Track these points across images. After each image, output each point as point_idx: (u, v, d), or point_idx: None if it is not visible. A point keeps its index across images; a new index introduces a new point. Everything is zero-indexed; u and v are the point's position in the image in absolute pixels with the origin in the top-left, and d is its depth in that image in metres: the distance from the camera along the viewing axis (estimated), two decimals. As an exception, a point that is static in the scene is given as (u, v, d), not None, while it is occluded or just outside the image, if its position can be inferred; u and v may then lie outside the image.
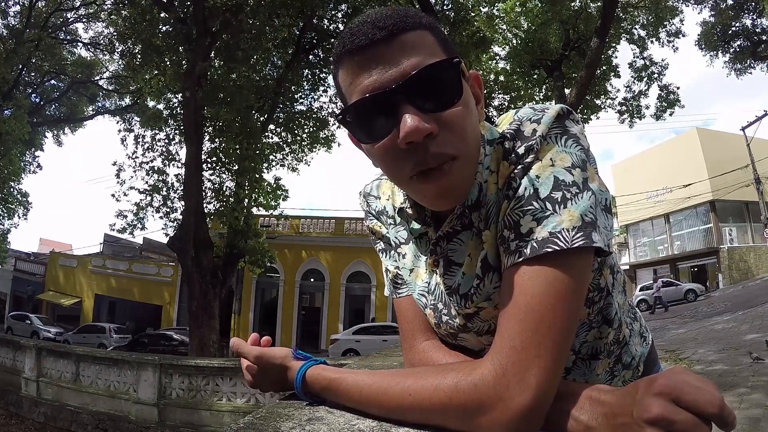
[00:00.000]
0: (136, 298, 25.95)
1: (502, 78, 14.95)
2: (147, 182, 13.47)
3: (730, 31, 17.29)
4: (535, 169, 0.61)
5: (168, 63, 12.91)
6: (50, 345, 11.70)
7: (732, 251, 24.08)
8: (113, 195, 13.57)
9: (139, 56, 13.21)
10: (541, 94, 15.28)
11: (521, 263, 0.59)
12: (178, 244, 11.63)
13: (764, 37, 17.18)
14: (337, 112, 0.67)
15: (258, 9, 12.00)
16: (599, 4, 13.07)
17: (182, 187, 12.64)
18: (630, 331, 0.82)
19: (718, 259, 24.21)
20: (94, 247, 31.20)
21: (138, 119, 17.24)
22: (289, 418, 0.67)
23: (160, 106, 15.18)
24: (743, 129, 22.79)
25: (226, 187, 13.53)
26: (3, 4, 17.05)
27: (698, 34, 17.70)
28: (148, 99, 16.21)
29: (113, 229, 13.55)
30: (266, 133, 14.65)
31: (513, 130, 0.65)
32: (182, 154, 12.96)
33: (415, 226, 0.75)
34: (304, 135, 16.12)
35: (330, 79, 15.37)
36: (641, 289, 23.41)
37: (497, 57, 15.46)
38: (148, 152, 13.90)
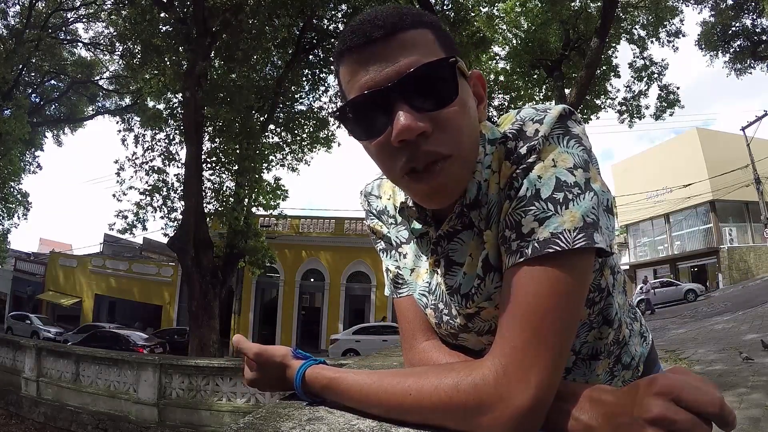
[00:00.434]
0: (136, 298, 25.95)
1: (502, 78, 14.96)
2: (147, 182, 13.50)
3: (730, 31, 17.29)
4: (537, 170, 0.61)
5: (168, 63, 12.92)
6: (50, 345, 11.69)
7: (732, 251, 24.08)
8: (114, 195, 13.60)
9: (139, 56, 13.22)
10: (541, 94, 15.28)
11: (522, 263, 0.59)
12: (178, 244, 11.64)
13: (764, 37, 17.18)
14: (335, 110, 0.67)
15: (258, 9, 12.00)
16: (599, 4, 13.06)
17: (182, 187, 12.64)
18: (630, 332, 0.82)
19: (718, 259, 24.21)
20: (94, 247, 31.25)
21: (138, 119, 17.25)
22: (289, 418, 0.67)
23: (160, 106, 15.20)
24: (743, 129, 22.79)
25: (226, 187, 13.55)
26: (3, 4, 17.06)
27: (698, 34, 17.71)
28: (148, 99, 16.22)
29: (112, 229, 13.56)
30: (266, 133, 14.66)
31: (515, 130, 0.65)
32: (182, 154, 12.98)
33: (416, 225, 0.75)
34: (304, 135, 16.12)
35: (330, 79, 15.40)
36: (641, 289, 23.41)
37: (497, 57, 15.47)
38: (149, 152, 13.92)
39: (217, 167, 13.47)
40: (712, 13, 16.96)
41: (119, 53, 15.98)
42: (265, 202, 14.48)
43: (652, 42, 15.51)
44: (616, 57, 15.31)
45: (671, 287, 22.36)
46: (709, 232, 25.04)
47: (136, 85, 16.75)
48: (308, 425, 0.64)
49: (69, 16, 19.62)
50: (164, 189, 13.45)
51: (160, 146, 13.97)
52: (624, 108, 15.89)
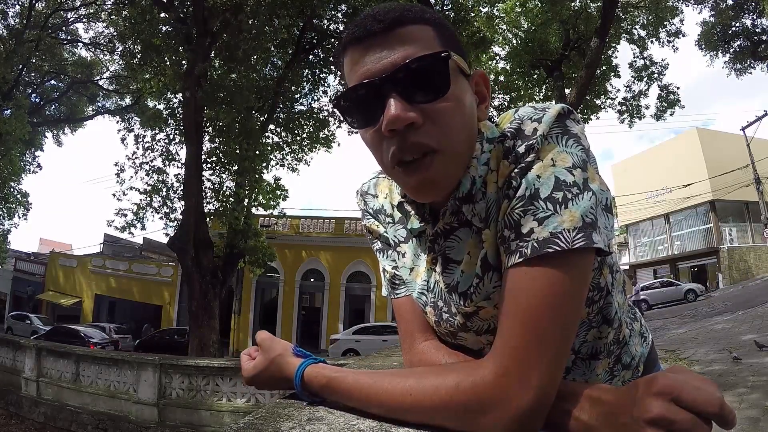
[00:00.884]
0: (136, 298, 25.95)
1: (502, 78, 14.96)
2: (147, 182, 13.49)
3: (730, 31, 17.29)
4: (535, 169, 0.61)
5: (168, 63, 12.91)
6: (50, 345, 11.69)
7: (732, 251, 24.08)
8: (114, 194, 13.59)
9: (139, 56, 13.21)
10: (541, 94, 15.28)
11: (522, 263, 0.59)
12: (178, 244, 11.64)
13: (764, 37, 17.18)
14: (333, 99, 0.68)
15: (258, 9, 12.00)
16: (599, 4, 13.07)
17: (182, 187, 12.64)
18: (630, 331, 0.82)
19: (718, 259, 24.21)
20: (94, 247, 31.25)
21: (138, 119, 17.25)
22: (289, 418, 0.67)
23: (160, 106, 15.19)
24: (743, 129, 22.79)
25: (226, 187, 13.54)
26: (3, 4, 17.04)
27: (698, 34, 17.71)
28: (148, 99, 16.22)
29: (110, 225, 13.53)
30: (266, 133, 14.65)
31: (513, 129, 0.65)
32: (182, 154, 12.98)
33: (415, 224, 0.75)
34: (304, 135, 16.12)
35: (330, 79, 15.40)
36: (641, 289, 23.41)
37: (497, 57, 15.47)
38: (148, 152, 13.91)
39: (217, 167, 13.47)
40: (712, 13, 16.96)
41: (119, 53, 15.97)
42: (264, 202, 14.48)
43: (652, 42, 15.51)
44: (616, 57, 15.32)
45: (671, 287, 22.36)
46: (709, 232, 25.05)
47: (136, 85, 16.74)
48: (308, 425, 0.64)
49: (69, 16, 19.63)
50: (164, 189, 13.45)
51: (160, 146, 13.98)
52: (624, 108, 15.89)
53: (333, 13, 13.99)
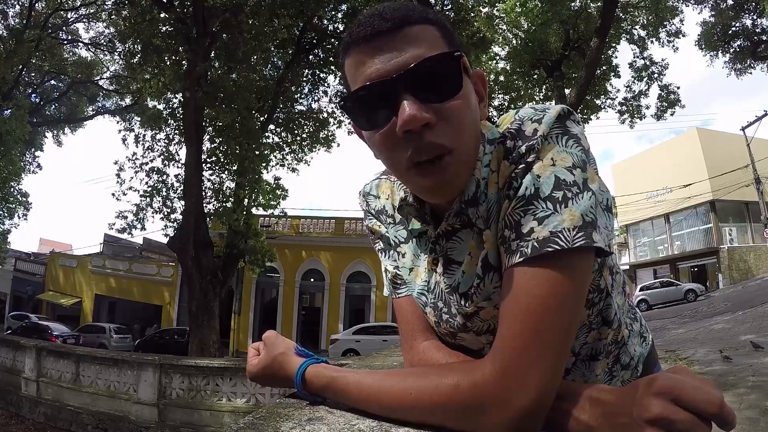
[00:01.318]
0: (136, 298, 25.96)
1: (502, 78, 14.97)
2: (147, 183, 13.48)
3: (730, 31, 17.27)
4: (536, 169, 0.61)
5: (168, 63, 12.91)
6: (50, 345, 11.69)
7: (732, 251, 24.08)
8: (113, 194, 13.58)
9: (139, 56, 13.21)
10: (541, 94, 15.29)
11: (522, 263, 0.59)
12: (178, 244, 11.64)
13: (764, 37, 17.17)
14: (341, 99, 0.68)
15: (258, 9, 12.00)
16: (599, 4, 13.08)
17: (182, 188, 12.64)
18: (629, 332, 0.82)
19: (718, 259, 24.21)
20: (94, 247, 31.24)
21: (138, 119, 17.25)
22: (289, 418, 0.67)
23: (160, 106, 15.19)
24: (743, 129, 22.79)
25: (226, 187, 13.54)
26: (3, 4, 17.05)
27: (698, 34, 17.70)
28: (148, 99, 16.22)
29: (112, 228, 13.54)
30: (266, 133, 14.65)
31: (514, 130, 0.65)
32: (182, 154, 12.98)
33: (415, 225, 0.75)
34: (304, 135, 16.12)
35: (330, 79, 15.40)
36: (641, 289, 23.42)
37: (497, 57, 15.48)
38: (148, 152, 13.91)
39: (217, 167, 13.47)
40: (712, 13, 16.95)
41: (119, 53, 15.99)
42: (264, 202, 14.48)
43: (652, 42, 15.53)
44: (616, 57, 15.35)
45: (671, 287, 22.36)
46: (709, 232, 25.05)
47: (136, 85, 16.75)
48: (308, 425, 0.64)
49: (69, 16, 19.64)
50: (164, 189, 13.45)
51: (160, 146, 13.98)
52: (624, 108, 15.90)
53: (333, 13, 14.00)
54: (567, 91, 13.32)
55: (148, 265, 26.67)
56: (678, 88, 15.56)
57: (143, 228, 13.45)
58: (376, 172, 0.88)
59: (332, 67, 14.38)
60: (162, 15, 12.55)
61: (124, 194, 13.64)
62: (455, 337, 0.77)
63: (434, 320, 0.78)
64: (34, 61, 18.99)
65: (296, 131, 15.85)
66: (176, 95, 13.94)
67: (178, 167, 13.75)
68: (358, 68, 0.63)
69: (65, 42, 20.80)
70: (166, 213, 13.31)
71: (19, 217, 19.95)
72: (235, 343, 21.74)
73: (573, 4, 14.05)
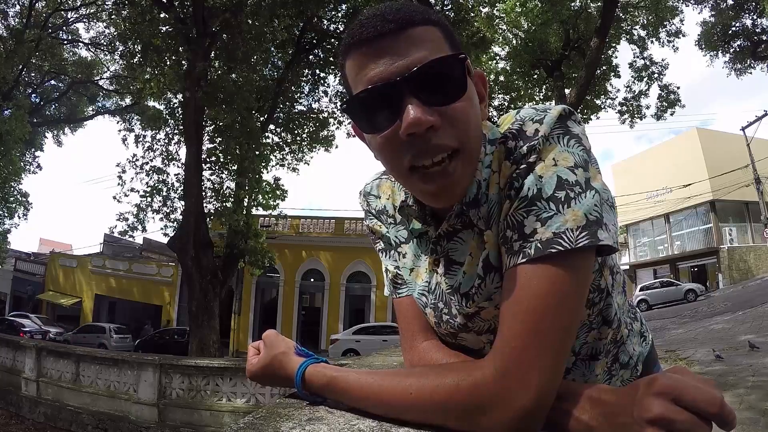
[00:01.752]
0: (136, 298, 25.95)
1: (502, 78, 14.97)
2: (147, 183, 13.48)
3: (730, 31, 17.26)
4: (538, 169, 0.61)
5: (168, 63, 12.91)
6: (50, 345, 11.69)
7: (732, 251, 24.08)
8: (115, 197, 13.58)
9: (139, 56, 13.21)
10: (541, 94, 15.29)
11: (524, 263, 0.59)
12: (178, 244, 11.64)
13: (764, 37, 17.16)
14: (343, 101, 0.67)
15: (258, 9, 12.00)
16: (599, 4, 13.08)
17: (182, 188, 12.64)
18: (629, 331, 0.82)
19: (718, 259, 24.21)
20: (94, 247, 31.23)
21: (138, 119, 17.25)
22: (289, 418, 0.67)
23: (161, 107, 15.19)
24: (743, 129, 22.80)
25: (226, 187, 13.54)
26: (3, 4, 17.05)
27: (698, 34, 17.69)
28: (149, 99, 16.22)
29: (113, 231, 13.53)
30: (266, 134, 14.65)
31: (515, 130, 0.65)
32: (182, 154, 12.98)
33: (416, 225, 0.75)
34: (304, 135, 16.13)
35: (330, 79, 15.40)
36: (641, 289, 23.43)
37: (497, 57, 15.48)
38: (149, 152, 13.91)
39: (217, 167, 13.46)
40: (712, 13, 16.94)
41: (119, 53, 15.97)
42: (264, 202, 14.48)
43: (652, 42, 15.53)
44: (616, 57, 15.35)
45: (671, 287, 22.36)
46: (709, 232, 25.04)
47: (137, 86, 16.75)
48: (308, 425, 0.64)
49: (69, 15, 19.64)
50: (164, 190, 13.45)
51: (160, 146, 13.98)
52: (624, 108, 15.90)
53: (333, 13, 14.00)
54: (567, 91, 13.32)
55: (148, 265, 26.66)
56: (678, 88, 15.57)
57: (144, 229, 13.43)
58: (376, 172, 0.88)
59: (332, 67, 14.38)
60: (162, 15, 12.54)
61: (126, 195, 13.65)
62: (456, 338, 0.77)
63: (434, 321, 0.78)
64: (34, 61, 18.98)
65: (296, 131, 15.86)
66: (176, 95, 13.95)
67: (178, 167, 13.76)
68: (361, 70, 0.62)
69: (65, 42, 20.80)
70: (166, 213, 13.32)
71: (19, 217, 19.95)
72: (235, 343, 21.74)
73: (573, 4, 14.05)
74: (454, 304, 0.73)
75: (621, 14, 14.23)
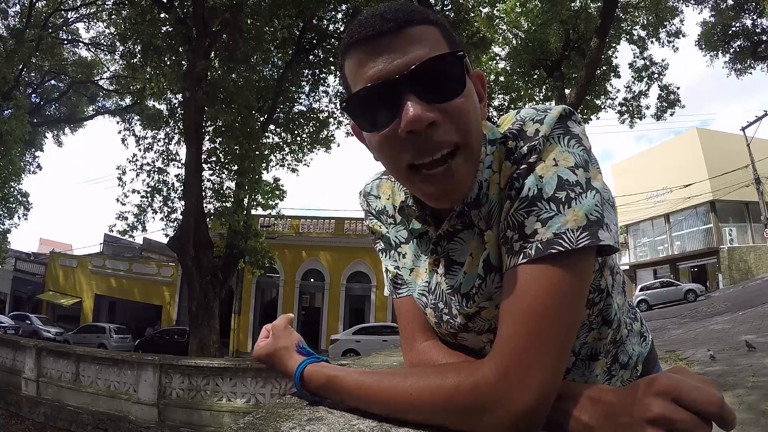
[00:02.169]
0: (136, 298, 25.95)
1: (502, 78, 14.97)
2: (148, 183, 13.48)
3: (730, 31, 17.26)
4: (538, 170, 0.61)
5: (168, 63, 12.91)
6: (50, 345, 11.69)
7: (732, 251, 24.08)
8: (117, 199, 13.57)
9: (139, 56, 13.21)
10: (541, 94, 15.29)
11: (525, 264, 0.59)
12: (178, 244, 11.64)
13: (764, 37, 17.16)
14: (342, 100, 0.67)
15: (258, 9, 12.00)
16: (599, 4, 13.07)
17: (182, 188, 12.64)
18: (628, 331, 0.82)
19: (718, 259, 24.21)
20: (94, 247, 31.24)
21: (138, 119, 17.25)
22: (289, 418, 0.67)
23: (161, 107, 15.20)
24: (743, 129, 22.79)
25: (226, 187, 13.54)
26: (3, 3, 17.05)
27: (698, 34, 17.69)
28: (149, 99, 16.22)
29: (113, 231, 13.53)
30: (266, 134, 14.66)
31: (515, 131, 0.65)
32: (182, 153, 12.99)
33: (416, 225, 0.75)
34: (304, 135, 16.13)
35: (330, 80, 15.40)
36: (641, 289, 23.44)
37: (497, 57, 15.48)
38: (149, 152, 13.92)
39: (217, 167, 13.47)
40: (712, 13, 16.94)
41: (120, 53, 15.97)
42: (264, 202, 14.49)
43: (652, 42, 15.52)
44: (616, 57, 15.35)
45: (671, 287, 22.36)
46: (709, 232, 25.04)
47: (137, 85, 16.75)
48: (308, 425, 0.64)
49: (69, 15, 19.63)
50: (164, 190, 13.45)
51: (160, 146, 13.99)
52: (624, 108, 15.90)
53: (333, 13, 14.01)
54: (567, 91, 13.32)
55: (148, 265, 26.66)
56: (678, 88, 15.57)
57: (144, 229, 13.44)
58: (376, 172, 0.88)
59: (332, 67, 14.39)
60: (162, 15, 12.55)
61: (126, 196, 13.64)
62: (456, 338, 0.77)
63: (435, 321, 0.78)
64: (34, 61, 18.97)
65: (296, 131, 15.85)
66: (176, 95, 13.95)
67: (178, 167, 13.76)
68: (360, 69, 0.62)
69: (65, 42, 20.79)
70: (166, 213, 13.32)
71: (19, 217, 19.94)
72: (235, 343, 21.74)
73: (573, 4, 14.05)
74: (455, 304, 0.73)
75: (621, 14, 14.23)
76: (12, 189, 18.85)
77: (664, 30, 15.29)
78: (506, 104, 14.71)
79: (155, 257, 28.73)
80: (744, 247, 24.66)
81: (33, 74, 20.84)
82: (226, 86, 12.32)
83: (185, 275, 12.86)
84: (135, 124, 17.28)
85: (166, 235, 13.07)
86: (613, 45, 14.93)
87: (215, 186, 13.40)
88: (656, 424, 0.46)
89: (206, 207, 12.80)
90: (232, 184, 13.38)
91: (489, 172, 0.67)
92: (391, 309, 20.74)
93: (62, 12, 19.00)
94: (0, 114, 16.32)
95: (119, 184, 13.78)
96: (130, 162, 13.85)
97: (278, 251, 19.19)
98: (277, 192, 14.78)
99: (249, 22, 12.36)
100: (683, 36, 15.44)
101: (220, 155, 13.32)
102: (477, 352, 0.75)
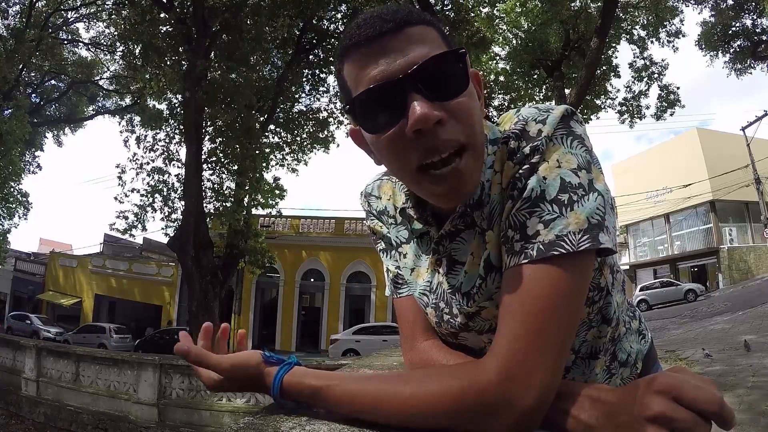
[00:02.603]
0: (136, 298, 25.94)
1: (502, 78, 14.97)
2: (148, 183, 13.48)
3: (730, 31, 17.25)
4: (541, 171, 0.61)
5: (168, 63, 12.91)
6: (50, 345, 11.70)
7: (732, 251, 24.08)
8: (116, 198, 13.57)
9: (139, 56, 13.21)
10: (541, 94, 15.28)
11: (526, 264, 0.59)
12: (178, 244, 11.64)
13: (764, 37, 17.15)
14: (343, 104, 0.66)
15: (258, 9, 12.00)
16: (599, 4, 13.07)
17: (182, 188, 12.64)
18: (626, 329, 0.82)
19: (718, 259, 24.20)
20: (94, 247, 31.21)
21: (138, 119, 17.26)
22: (289, 418, 0.67)
23: (161, 107, 15.20)
24: (743, 129, 22.79)
25: (226, 187, 13.54)
26: (3, 3, 17.05)
27: (698, 34, 17.68)
28: (149, 99, 16.22)
29: (113, 229, 13.52)
30: (266, 133, 14.66)
31: (518, 130, 0.64)
32: (183, 153, 12.98)
33: (417, 225, 0.75)
34: (304, 135, 16.14)
35: (330, 80, 15.39)
36: (641, 289, 23.44)
37: (497, 57, 15.47)
38: (149, 152, 13.91)
39: (218, 167, 13.47)
40: (712, 13, 16.93)
41: (120, 53, 15.97)
42: (263, 201, 14.50)
43: (652, 42, 15.51)
44: (616, 57, 15.33)
45: (671, 287, 22.36)
46: (709, 232, 25.04)
47: (137, 85, 16.74)
48: (308, 425, 0.64)
49: (69, 15, 19.63)
50: (164, 189, 13.45)
51: (161, 146, 13.99)
52: (624, 108, 15.89)
53: (333, 13, 14.01)
54: (567, 91, 13.32)
55: (148, 265, 26.65)
56: (678, 88, 15.54)
57: (144, 228, 13.43)
58: (377, 173, 0.88)
59: (332, 67, 14.37)
60: (162, 15, 12.55)
61: (126, 196, 13.63)
62: (456, 337, 0.77)
63: (435, 321, 0.78)
64: (34, 61, 18.96)
65: (296, 131, 15.86)
66: (176, 95, 13.95)
67: (178, 167, 13.76)
68: (362, 70, 0.61)
69: (65, 42, 20.78)
70: (166, 213, 13.32)
71: (19, 217, 19.92)
72: (235, 344, 21.66)
73: (573, 4, 14.05)
74: (455, 304, 0.73)
75: (621, 14, 14.22)
76: (12, 189, 18.84)
77: (664, 30, 15.29)
78: (506, 104, 14.71)
79: (155, 257, 28.73)
80: (744, 247, 24.66)
81: (33, 74, 20.83)
82: (226, 86, 12.32)
83: (185, 275, 12.86)
84: (136, 124, 17.27)
85: (166, 235, 13.09)
86: (613, 45, 14.92)
87: (215, 186, 13.41)
88: (656, 422, 0.46)
89: (206, 207, 12.80)
90: (232, 184, 13.39)
91: (491, 172, 0.67)
92: (391, 309, 20.73)
93: (62, 12, 18.99)
94: (0, 114, 16.32)
95: (119, 183, 13.79)
96: (130, 161, 13.86)
97: (278, 251, 19.18)
98: (277, 192, 14.78)
99: (249, 22, 12.36)
100: (683, 36, 15.44)
101: (220, 155, 13.33)
102: (477, 351, 0.75)
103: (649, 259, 28.99)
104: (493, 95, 14.57)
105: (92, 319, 25.04)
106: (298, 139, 16.07)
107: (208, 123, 13.16)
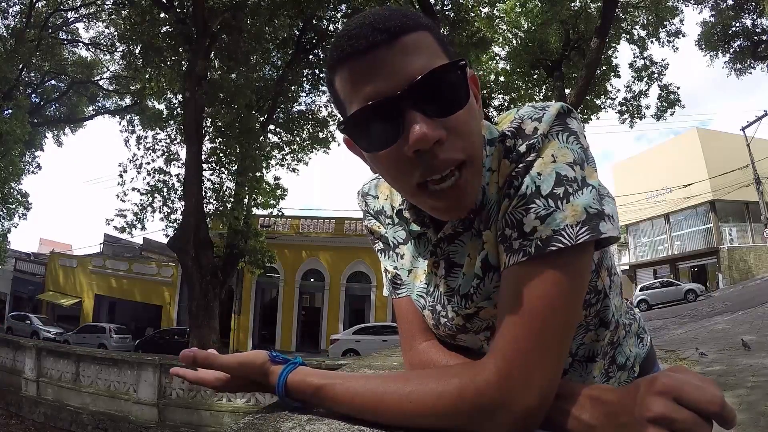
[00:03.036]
0: (136, 298, 25.94)
1: (502, 78, 14.97)
2: (148, 183, 13.49)
3: (730, 31, 17.25)
4: (536, 167, 0.60)
5: (168, 63, 12.92)
6: (50, 345, 11.70)
7: (732, 251, 24.07)
8: (117, 196, 13.59)
9: (139, 56, 13.22)
10: (541, 94, 15.28)
11: (525, 262, 0.58)
12: (178, 244, 11.64)
13: (764, 37, 17.15)
14: (338, 119, 0.65)
15: (258, 9, 12.00)
16: (599, 4, 13.07)
17: (182, 188, 12.65)
18: (626, 332, 0.82)
19: (718, 259, 24.20)
20: (94, 247, 31.21)
21: (138, 119, 17.27)
22: (289, 418, 0.67)
23: (161, 107, 15.20)
24: (743, 129, 22.80)
25: (226, 187, 13.55)
26: (4, 3, 17.06)
27: (698, 34, 17.68)
28: (149, 99, 16.22)
29: (109, 224, 13.50)
30: (266, 133, 14.67)
31: (514, 129, 0.64)
32: (183, 153, 12.99)
33: (414, 227, 0.75)
34: (304, 135, 16.15)
35: (330, 80, 15.37)
36: (641, 289, 23.43)
37: (497, 57, 15.48)
38: (150, 153, 13.93)
39: (218, 167, 13.48)
40: (712, 13, 16.93)
41: (120, 53, 15.98)
42: (263, 201, 14.51)
43: (652, 42, 15.52)
44: (616, 57, 15.38)
45: (671, 287, 22.36)
46: (709, 232, 25.03)
47: (137, 85, 16.75)
48: (308, 425, 0.64)
49: (69, 15, 19.64)
50: (164, 189, 13.46)
51: (161, 146, 14.01)
52: (624, 108, 15.90)
53: (333, 13, 14.01)
54: (567, 91, 13.32)
55: (148, 265, 26.65)
56: (678, 88, 15.55)
57: (143, 228, 13.44)
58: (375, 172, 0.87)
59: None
60: (162, 15, 12.55)
61: (126, 195, 13.65)
62: (454, 339, 0.76)
63: (432, 323, 0.77)
64: (34, 61, 18.98)
65: (296, 131, 15.87)
66: (176, 95, 13.96)
67: (178, 167, 13.77)
68: (354, 87, 0.58)
69: (65, 42, 20.80)
70: (166, 213, 13.33)
71: (19, 217, 19.94)
72: (235, 343, 21.74)
73: (573, 4, 14.05)
74: (453, 306, 0.73)
75: (621, 14, 14.23)
76: (12, 189, 18.85)
77: (664, 30, 15.30)
78: (506, 104, 14.72)
79: (155, 257, 28.72)
80: (744, 247, 24.66)
81: (33, 74, 20.84)
82: (226, 86, 12.33)
83: (185, 275, 12.87)
84: (136, 124, 17.28)
85: (166, 235, 13.09)
86: (613, 45, 14.93)
87: (215, 186, 13.41)
88: (657, 423, 0.46)
89: (206, 207, 12.81)
90: (232, 184, 13.40)
91: (489, 173, 0.66)
92: (391, 309, 20.71)
93: (62, 12, 19.01)
94: (0, 114, 16.32)
95: (119, 183, 13.81)
96: (131, 161, 13.87)
97: (278, 251, 19.18)
98: (277, 191, 14.79)
99: (249, 22, 12.37)
100: (683, 36, 15.45)
101: (220, 155, 13.34)
102: (475, 351, 0.75)
103: (649, 259, 28.98)
104: (493, 95, 14.58)
105: (92, 320, 25.04)
106: (298, 139, 16.09)
107: (208, 123, 13.16)
